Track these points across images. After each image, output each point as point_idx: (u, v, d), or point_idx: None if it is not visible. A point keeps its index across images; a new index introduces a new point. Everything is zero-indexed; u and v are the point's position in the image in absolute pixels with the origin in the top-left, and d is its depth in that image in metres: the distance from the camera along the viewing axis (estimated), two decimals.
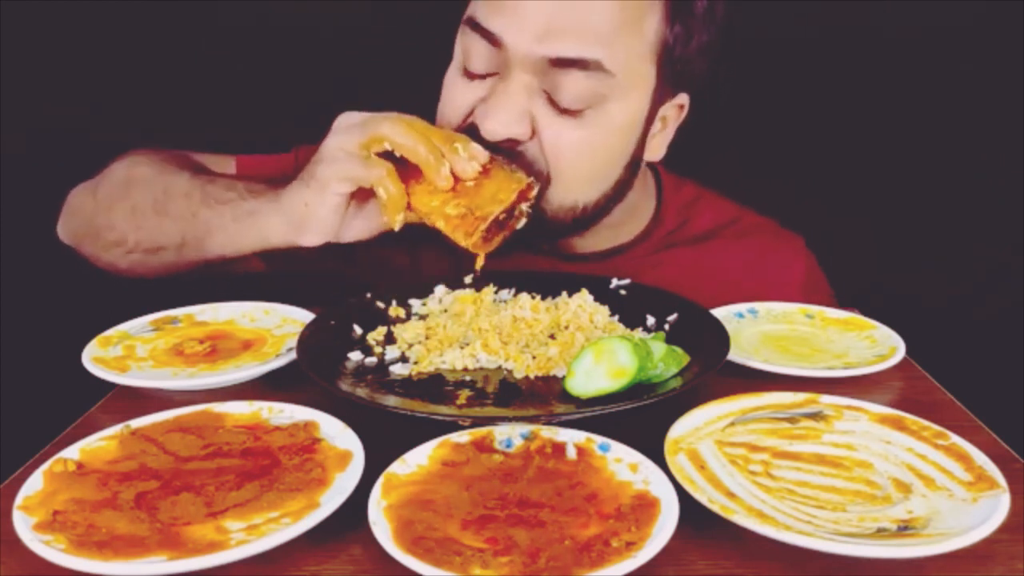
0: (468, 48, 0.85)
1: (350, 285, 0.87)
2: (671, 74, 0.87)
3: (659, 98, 0.88)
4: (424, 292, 0.87)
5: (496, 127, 0.81)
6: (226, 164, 1.03)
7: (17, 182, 1.31)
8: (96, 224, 0.95)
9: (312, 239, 0.81)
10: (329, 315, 0.81)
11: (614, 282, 0.89)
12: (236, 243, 0.86)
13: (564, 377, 0.69)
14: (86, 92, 1.35)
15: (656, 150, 0.93)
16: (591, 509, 0.53)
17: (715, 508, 0.53)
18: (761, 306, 0.89)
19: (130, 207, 0.91)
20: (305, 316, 0.84)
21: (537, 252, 0.97)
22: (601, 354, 0.67)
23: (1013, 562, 0.52)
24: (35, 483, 0.56)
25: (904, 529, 0.53)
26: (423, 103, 0.88)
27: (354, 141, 0.77)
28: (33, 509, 0.53)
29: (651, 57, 0.84)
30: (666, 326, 0.80)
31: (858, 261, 1.34)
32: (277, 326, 0.84)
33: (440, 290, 0.87)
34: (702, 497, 0.54)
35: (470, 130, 0.84)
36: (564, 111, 0.82)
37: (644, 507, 0.53)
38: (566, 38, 0.80)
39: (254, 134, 1.14)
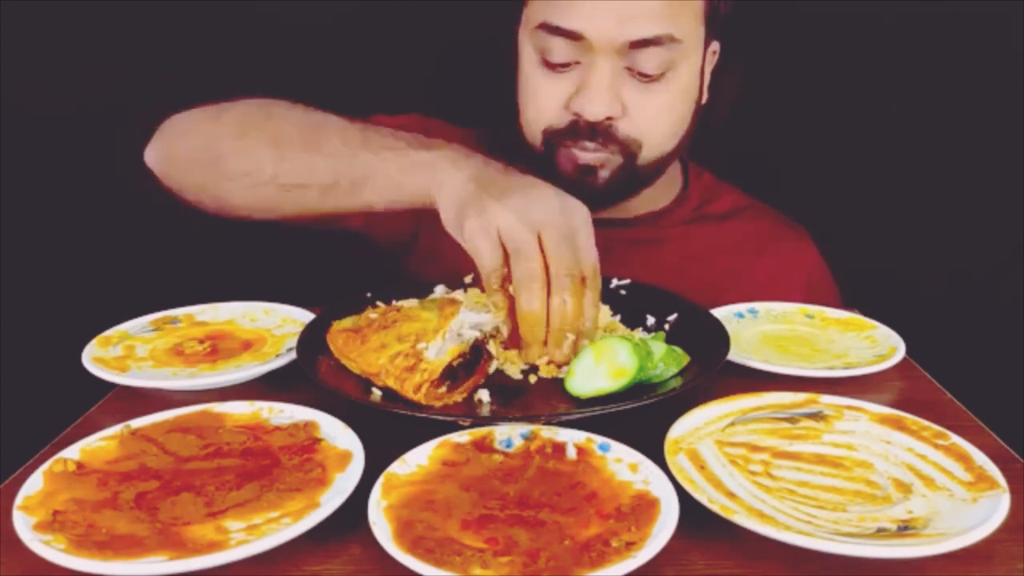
0: (545, 47, 0.92)
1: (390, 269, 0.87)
2: (712, 29, 0.98)
3: (705, 49, 0.99)
4: (424, 292, 0.87)
5: (597, 108, 0.91)
6: None
7: (16, 182, 1.31)
8: (220, 148, 0.90)
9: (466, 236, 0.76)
10: (329, 315, 0.81)
11: (614, 282, 0.89)
12: (396, 194, 0.83)
13: (564, 377, 0.69)
14: (83, 84, 1.34)
15: (704, 93, 1.03)
16: (591, 509, 0.53)
17: (715, 508, 0.53)
18: (761, 306, 0.89)
19: (271, 136, 0.89)
20: (305, 316, 0.84)
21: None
22: (601, 354, 0.67)
23: (1013, 562, 0.52)
24: (35, 483, 0.56)
25: (904, 529, 0.53)
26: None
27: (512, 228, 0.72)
28: (33, 509, 0.53)
29: (701, 19, 0.95)
30: (666, 326, 0.80)
31: (858, 260, 1.33)
32: (277, 326, 0.85)
33: (440, 290, 0.87)
34: (702, 497, 0.54)
35: (571, 125, 0.93)
36: (647, 79, 0.92)
37: (644, 507, 0.53)
38: (642, 21, 0.89)
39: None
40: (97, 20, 1.32)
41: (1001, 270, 1.41)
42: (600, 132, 0.93)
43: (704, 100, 1.04)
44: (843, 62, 1.37)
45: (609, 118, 0.93)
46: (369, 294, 0.86)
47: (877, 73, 1.37)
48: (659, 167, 1.01)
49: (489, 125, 1.08)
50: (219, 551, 0.49)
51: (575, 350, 0.71)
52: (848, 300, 0.98)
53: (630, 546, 0.49)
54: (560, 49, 0.91)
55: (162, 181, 0.96)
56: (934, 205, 1.39)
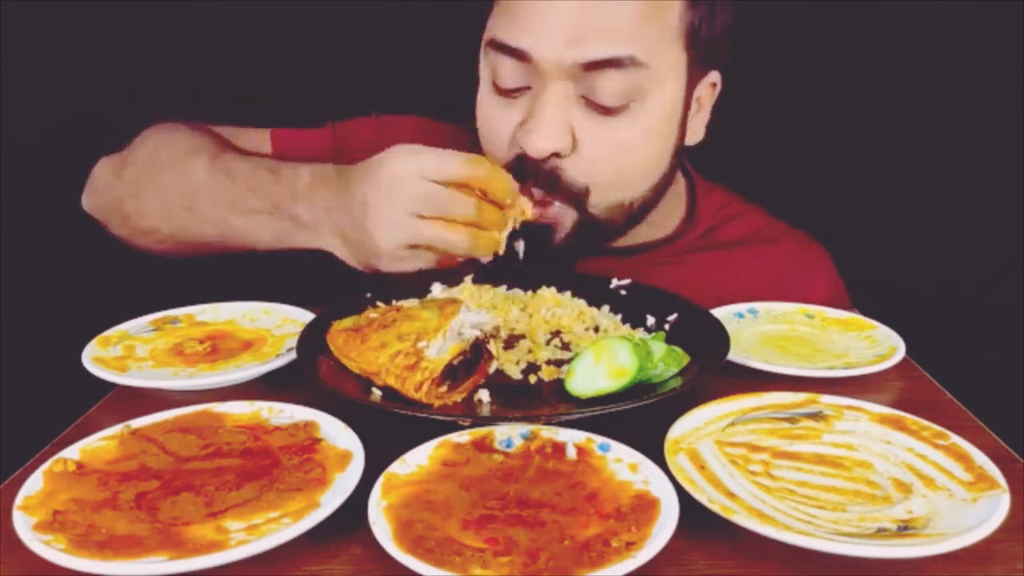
0: (495, 67, 0.84)
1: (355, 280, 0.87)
2: (701, 55, 0.86)
3: (692, 81, 0.88)
4: (423, 292, 0.87)
5: (540, 143, 0.81)
6: (260, 139, 1.01)
7: (16, 181, 1.31)
8: (125, 209, 0.93)
9: (385, 268, 0.79)
10: (329, 315, 0.81)
11: (614, 282, 0.89)
12: (280, 247, 0.85)
13: (564, 377, 0.69)
14: (83, 84, 1.34)
15: (695, 132, 0.93)
16: (591, 509, 0.53)
17: (715, 508, 0.53)
18: (761, 306, 0.89)
19: (158, 197, 0.90)
20: (305, 316, 0.84)
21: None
22: (602, 354, 0.67)
23: (1013, 562, 0.52)
24: (35, 483, 0.56)
25: (904, 529, 0.53)
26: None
27: (402, 241, 0.75)
28: (33, 509, 0.53)
29: (680, 41, 0.84)
30: (666, 326, 0.80)
31: (858, 261, 1.33)
32: (277, 326, 0.85)
33: (437, 288, 0.87)
34: (702, 497, 0.54)
35: (518, 159, 0.84)
36: (605, 111, 0.81)
37: (644, 507, 0.53)
38: (595, 40, 0.78)
39: (280, 109, 1.13)
40: (97, 20, 1.32)
41: (1001, 270, 1.41)
42: (544, 176, 0.83)
43: (695, 140, 0.93)
44: (843, 63, 1.37)
45: (556, 155, 0.82)
46: (369, 294, 0.86)
47: (877, 73, 1.37)
48: (627, 219, 0.89)
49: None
50: (219, 551, 0.49)
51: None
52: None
53: (630, 546, 0.49)
54: (509, 72, 0.82)
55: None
56: (934, 206, 1.39)
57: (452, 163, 0.73)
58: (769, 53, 1.29)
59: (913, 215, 1.40)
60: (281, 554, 0.51)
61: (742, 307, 0.88)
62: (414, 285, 0.87)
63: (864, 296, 0.98)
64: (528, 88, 0.83)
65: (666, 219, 1.00)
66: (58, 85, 1.34)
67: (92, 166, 0.99)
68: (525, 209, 0.79)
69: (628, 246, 0.98)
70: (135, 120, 0.98)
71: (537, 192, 0.84)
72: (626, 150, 0.83)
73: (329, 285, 0.90)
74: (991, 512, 0.52)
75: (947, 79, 1.36)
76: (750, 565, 0.52)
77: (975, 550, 0.50)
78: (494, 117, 0.86)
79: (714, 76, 0.91)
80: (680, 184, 1.02)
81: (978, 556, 0.51)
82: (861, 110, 1.39)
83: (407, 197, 0.73)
